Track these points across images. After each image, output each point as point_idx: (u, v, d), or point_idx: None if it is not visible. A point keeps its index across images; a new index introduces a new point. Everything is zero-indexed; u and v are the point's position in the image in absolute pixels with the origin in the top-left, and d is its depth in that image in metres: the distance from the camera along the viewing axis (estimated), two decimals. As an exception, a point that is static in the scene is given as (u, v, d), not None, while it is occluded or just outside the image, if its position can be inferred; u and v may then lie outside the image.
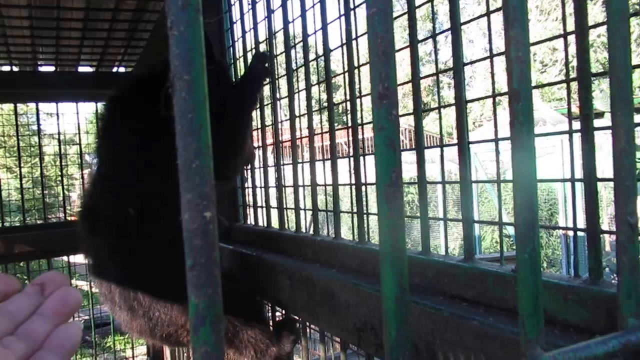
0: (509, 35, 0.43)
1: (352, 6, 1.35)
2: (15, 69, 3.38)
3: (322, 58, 1.50)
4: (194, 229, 0.30)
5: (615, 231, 0.49)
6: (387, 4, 0.36)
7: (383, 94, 0.36)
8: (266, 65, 1.72)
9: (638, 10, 0.61)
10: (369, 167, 1.27)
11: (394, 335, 0.36)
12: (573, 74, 0.81)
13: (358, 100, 1.38)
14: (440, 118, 1.11)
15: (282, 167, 1.80)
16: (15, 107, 3.55)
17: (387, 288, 0.36)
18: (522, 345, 0.43)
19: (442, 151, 1.09)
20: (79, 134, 3.56)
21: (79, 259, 4.09)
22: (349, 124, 1.38)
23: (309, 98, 1.56)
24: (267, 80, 1.76)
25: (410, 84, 1.13)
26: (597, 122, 0.77)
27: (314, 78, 1.58)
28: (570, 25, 0.81)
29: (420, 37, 1.14)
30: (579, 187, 0.82)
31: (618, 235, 0.48)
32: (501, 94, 0.93)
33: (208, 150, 0.30)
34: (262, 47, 1.88)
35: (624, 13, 0.48)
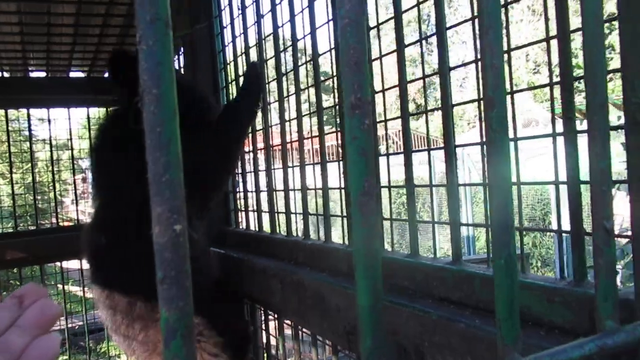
0: (483, 42, 0.43)
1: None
2: (6, 74, 3.36)
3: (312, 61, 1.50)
4: (164, 242, 0.30)
5: (592, 235, 0.49)
6: (360, 15, 0.36)
7: (355, 104, 0.36)
8: (259, 76, 1.74)
9: (615, 16, 0.61)
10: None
11: (369, 343, 0.36)
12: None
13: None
14: (427, 121, 1.12)
15: (272, 171, 1.80)
16: (6, 113, 3.53)
17: (361, 296, 0.37)
18: (500, 350, 0.44)
19: (429, 154, 1.10)
20: (71, 139, 3.55)
21: (72, 264, 4.08)
22: (339, 128, 1.39)
23: (298, 102, 1.57)
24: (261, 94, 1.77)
25: (407, 87, 1.13)
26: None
27: (308, 81, 1.58)
28: (555, 30, 0.81)
29: (415, 38, 1.15)
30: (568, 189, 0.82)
31: (595, 239, 0.49)
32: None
33: (178, 164, 0.30)
34: (253, 51, 1.88)
35: (598, 19, 0.49)
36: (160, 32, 0.30)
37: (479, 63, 0.97)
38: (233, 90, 2.09)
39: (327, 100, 1.53)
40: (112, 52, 1.68)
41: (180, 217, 0.30)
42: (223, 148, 1.69)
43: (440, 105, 1.02)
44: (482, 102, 0.99)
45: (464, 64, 0.97)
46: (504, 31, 0.93)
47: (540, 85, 0.91)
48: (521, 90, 0.92)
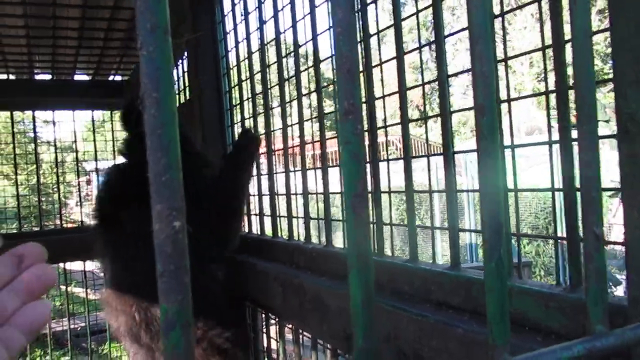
0: (473, 51, 0.44)
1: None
2: (11, 77, 3.40)
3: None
4: (164, 238, 0.31)
5: (583, 240, 0.51)
6: (351, 25, 0.37)
7: (349, 109, 0.37)
8: (254, 136, 1.79)
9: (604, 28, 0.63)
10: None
11: (361, 343, 0.38)
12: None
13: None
14: (426, 128, 1.13)
15: (275, 175, 1.82)
16: (12, 115, 3.57)
17: (354, 296, 0.38)
18: (491, 351, 0.45)
19: (428, 160, 1.11)
20: (76, 141, 3.58)
21: (75, 266, 4.10)
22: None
23: (300, 107, 1.58)
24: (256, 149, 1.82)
25: (411, 93, 1.14)
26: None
27: (310, 86, 1.60)
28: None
29: (419, 43, 1.16)
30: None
31: (585, 245, 0.50)
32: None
33: (177, 165, 0.32)
34: (256, 56, 1.90)
35: (587, 32, 0.50)
36: (159, 39, 0.31)
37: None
38: (236, 95, 2.11)
39: (331, 106, 1.54)
40: (124, 106, 1.78)
41: (180, 215, 0.31)
42: (227, 207, 1.78)
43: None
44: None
45: (466, 71, 0.98)
46: (502, 40, 0.95)
47: (537, 94, 0.92)
48: (517, 99, 0.94)
